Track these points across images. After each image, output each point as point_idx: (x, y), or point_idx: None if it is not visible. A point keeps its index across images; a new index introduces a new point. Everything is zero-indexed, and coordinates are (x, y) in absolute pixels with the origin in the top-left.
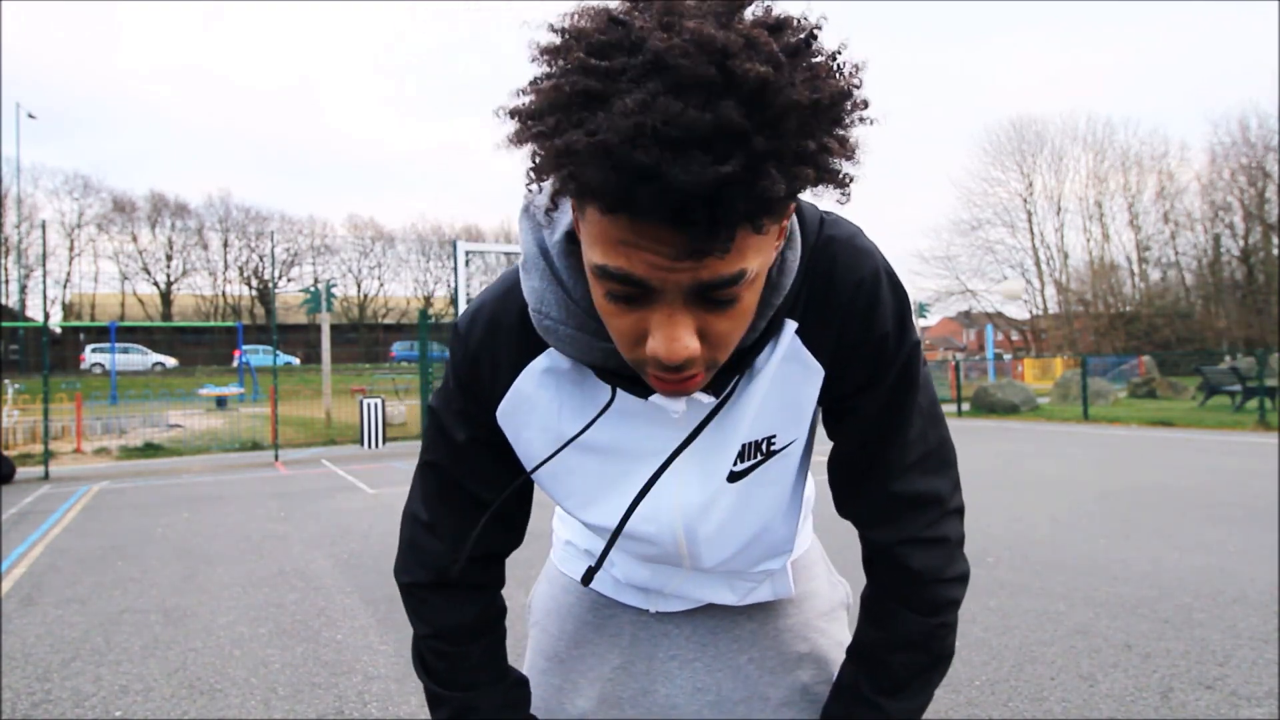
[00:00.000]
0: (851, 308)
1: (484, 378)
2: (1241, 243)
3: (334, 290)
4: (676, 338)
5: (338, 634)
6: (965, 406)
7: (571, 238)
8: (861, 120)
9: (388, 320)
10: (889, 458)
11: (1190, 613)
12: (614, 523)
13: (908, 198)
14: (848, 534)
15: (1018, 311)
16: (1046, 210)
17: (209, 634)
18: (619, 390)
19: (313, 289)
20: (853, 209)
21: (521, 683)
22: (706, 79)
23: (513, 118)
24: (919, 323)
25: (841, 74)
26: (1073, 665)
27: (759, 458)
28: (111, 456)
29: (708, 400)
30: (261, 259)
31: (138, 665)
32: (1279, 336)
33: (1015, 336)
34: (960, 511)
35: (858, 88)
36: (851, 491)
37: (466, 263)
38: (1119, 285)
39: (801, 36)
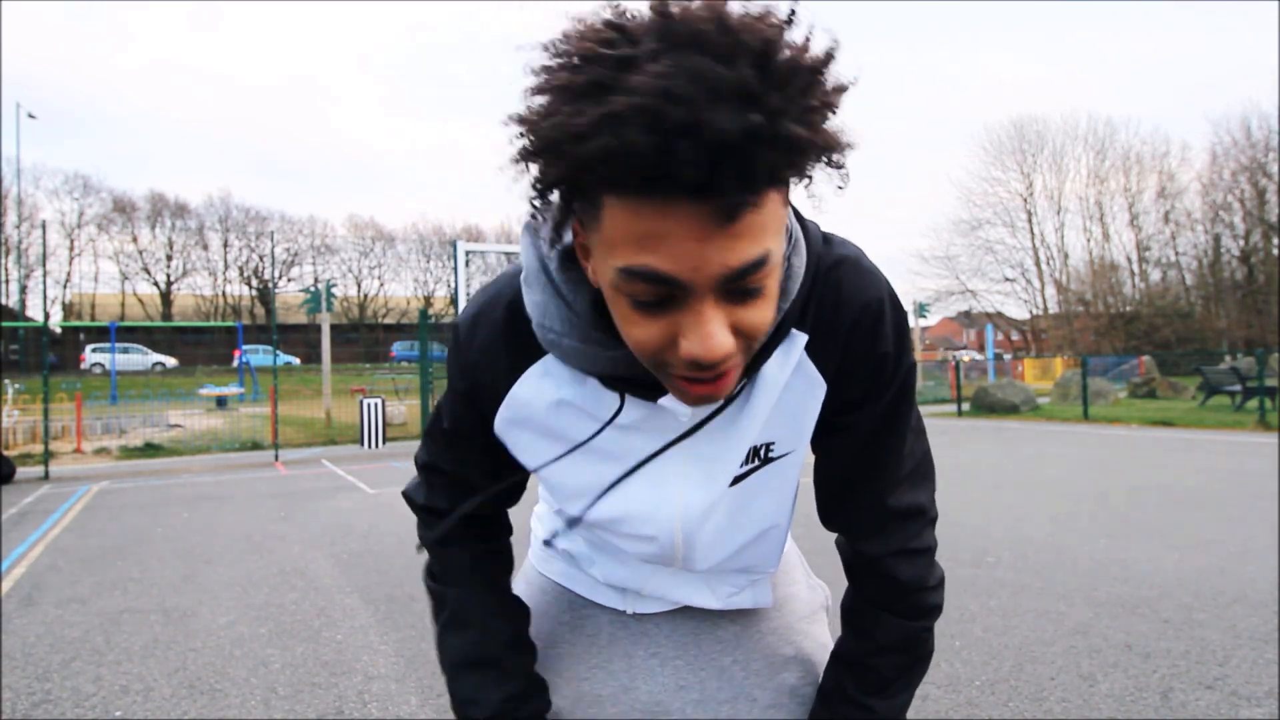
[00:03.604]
0: (857, 326)
1: (483, 386)
2: (1241, 243)
3: (334, 290)
4: (713, 334)
5: (338, 634)
6: (965, 406)
7: (569, 255)
8: (841, 91)
9: (388, 320)
10: (883, 472)
11: (1190, 613)
12: (614, 518)
13: (907, 198)
14: (823, 537)
15: (1018, 311)
16: (1046, 210)
17: (209, 634)
18: (627, 396)
19: (313, 289)
20: (854, 209)
21: (523, 605)
22: (719, 42)
23: (521, 124)
24: (919, 323)
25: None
26: (1073, 665)
27: (756, 463)
28: (111, 456)
29: (683, 411)
30: (261, 259)
31: (138, 665)
32: (1279, 336)
33: (1015, 336)
34: (936, 520)
35: (833, 59)
36: (841, 505)
37: (466, 263)
38: (1119, 285)
39: (785, 15)
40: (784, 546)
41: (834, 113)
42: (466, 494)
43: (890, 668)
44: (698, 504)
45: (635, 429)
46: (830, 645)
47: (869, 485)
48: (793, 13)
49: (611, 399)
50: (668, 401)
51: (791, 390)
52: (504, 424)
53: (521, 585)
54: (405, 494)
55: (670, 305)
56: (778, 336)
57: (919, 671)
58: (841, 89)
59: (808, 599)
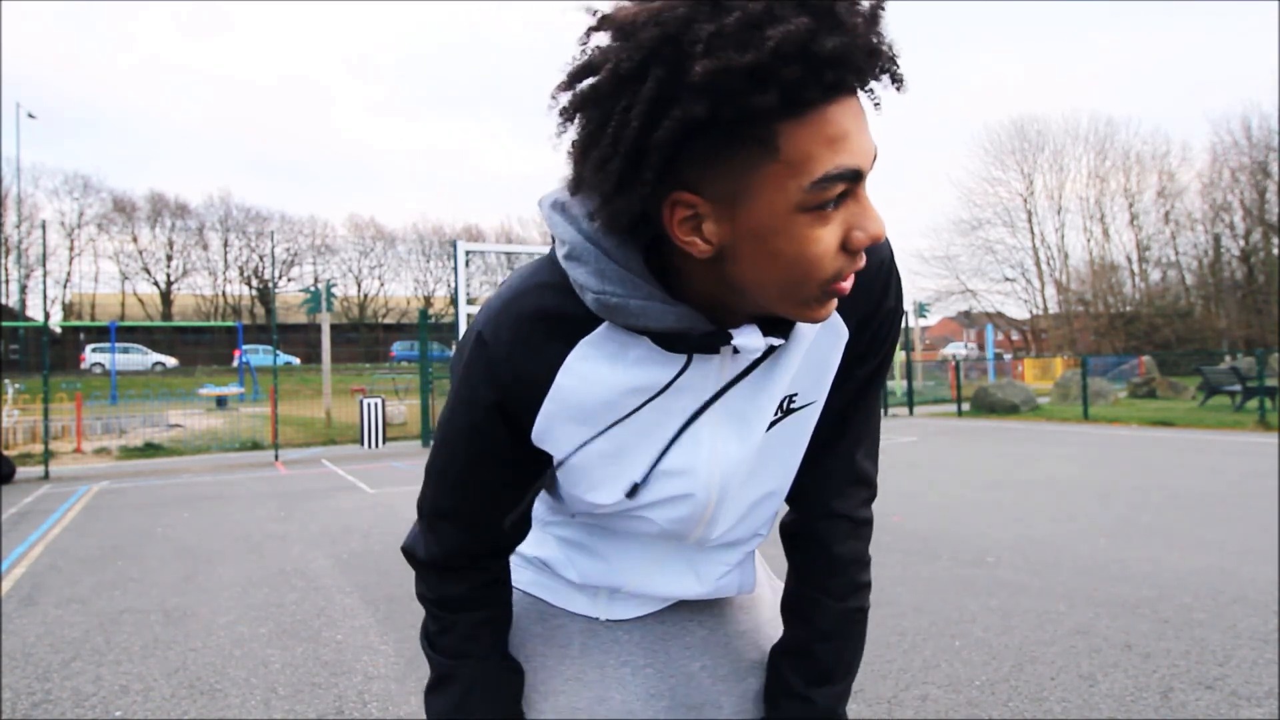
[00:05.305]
0: (874, 282)
1: (522, 385)
2: (1241, 243)
3: (334, 290)
4: (878, 213)
5: (338, 634)
6: (965, 406)
7: (608, 230)
8: None
9: (388, 320)
10: (856, 429)
11: (1190, 613)
12: (638, 479)
13: (907, 198)
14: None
15: (1018, 311)
16: (1047, 210)
17: (209, 634)
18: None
19: (313, 289)
20: None
21: (516, 669)
22: None
23: (704, 80)
24: (919, 323)
25: None
26: (1073, 665)
27: (779, 415)
28: (111, 456)
29: (758, 346)
30: (261, 259)
31: (138, 665)
32: (1279, 336)
33: (1015, 336)
34: (875, 496)
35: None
36: (816, 462)
37: (466, 263)
38: (1119, 285)
39: None
40: (775, 513)
41: None
42: (479, 535)
43: (829, 655)
44: (735, 459)
45: (683, 390)
46: None
47: (846, 440)
48: None
49: (668, 361)
50: (739, 336)
51: (819, 340)
52: (546, 420)
53: None
54: (405, 549)
55: (842, 203)
56: None
57: (855, 661)
58: None
59: (772, 601)
